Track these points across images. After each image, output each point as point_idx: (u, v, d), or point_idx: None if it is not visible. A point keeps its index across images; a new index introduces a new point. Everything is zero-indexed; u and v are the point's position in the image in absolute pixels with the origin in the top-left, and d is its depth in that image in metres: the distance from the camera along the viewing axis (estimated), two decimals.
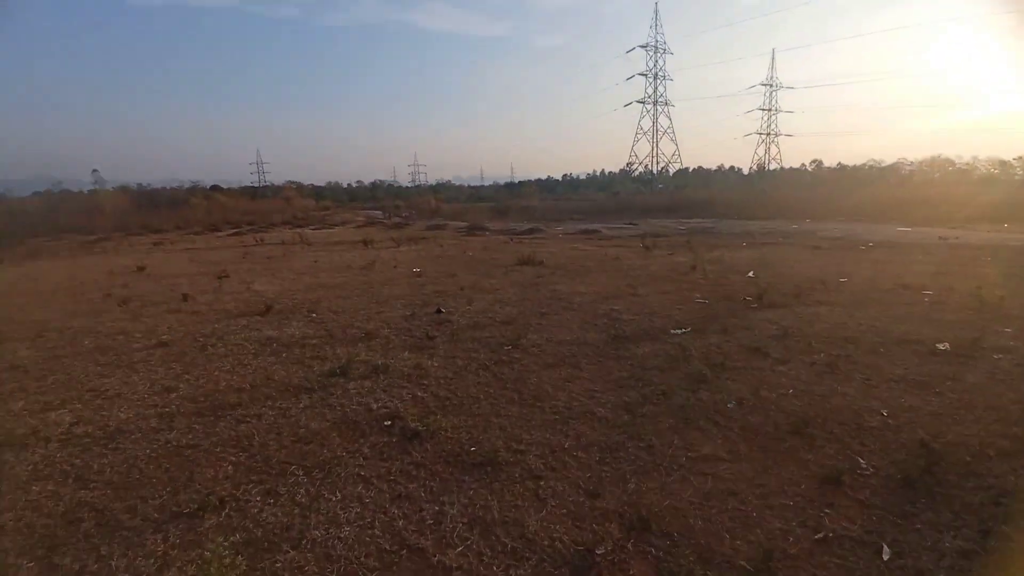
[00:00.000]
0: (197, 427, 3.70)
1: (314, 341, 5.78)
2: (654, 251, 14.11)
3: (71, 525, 2.61)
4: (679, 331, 5.99)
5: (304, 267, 12.25)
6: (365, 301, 7.94)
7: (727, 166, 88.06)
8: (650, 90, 64.96)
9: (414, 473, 3.04)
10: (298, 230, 27.13)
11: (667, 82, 65.77)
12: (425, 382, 4.48)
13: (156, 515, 2.68)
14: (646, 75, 64.26)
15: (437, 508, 2.69)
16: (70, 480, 3.03)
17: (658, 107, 65.72)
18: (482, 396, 4.17)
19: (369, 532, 2.52)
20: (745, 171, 79.09)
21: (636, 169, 70.01)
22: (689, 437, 3.40)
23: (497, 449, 3.20)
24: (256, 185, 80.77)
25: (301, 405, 4.03)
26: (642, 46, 63.57)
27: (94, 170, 57.84)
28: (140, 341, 5.96)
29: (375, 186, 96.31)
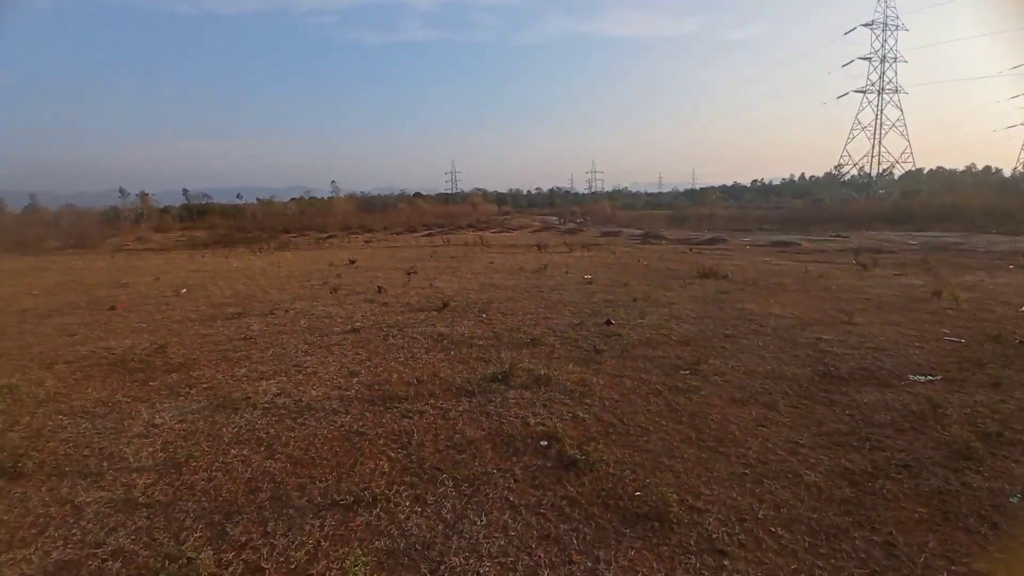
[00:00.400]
0: (368, 415, 3.87)
1: (481, 342, 5.82)
2: (874, 270, 11.55)
3: (251, 494, 2.83)
4: (922, 378, 4.56)
5: (481, 268, 12.87)
6: (534, 305, 7.86)
7: (980, 165, 70.00)
8: (874, 76, 54.58)
9: (567, 511, 2.65)
10: (480, 233, 29.16)
11: (897, 65, 54.21)
12: (588, 401, 4.08)
13: (319, 499, 2.77)
14: (870, 59, 54.13)
15: (590, 564, 2.25)
16: (262, 448, 3.36)
17: (883, 96, 54.75)
18: (652, 428, 3.60)
19: None
20: (1007, 172, 61.67)
21: (848, 171, 59.38)
22: (954, 540, 2.38)
23: (668, 501, 2.63)
24: (449, 192, 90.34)
25: (460, 408, 3.97)
26: (866, 24, 53.71)
27: (332, 181, 71.79)
28: (340, 325, 6.70)
29: (552, 193, 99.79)
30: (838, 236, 23.96)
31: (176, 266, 15.07)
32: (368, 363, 5.14)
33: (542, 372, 4.65)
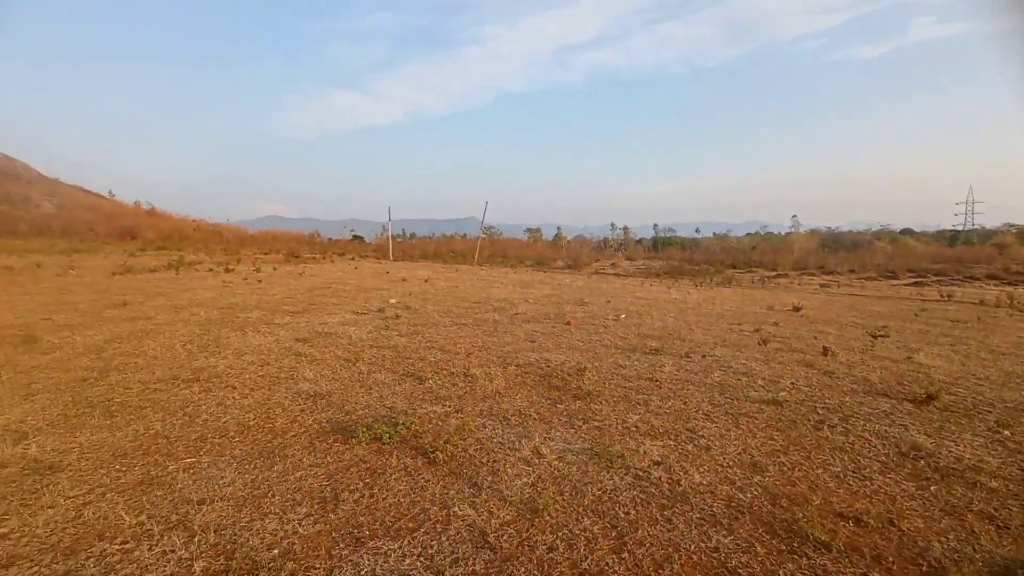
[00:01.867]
0: (758, 550, 2.68)
1: (993, 484, 3.39)
2: None
3: None
4: None
5: (1006, 344, 8.32)
6: None
7: None
8: None
9: None
10: (1008, 289, 19.89)
11: None
12: None
13: None
14: None
15: None
16: (612, 533, 2.76)
17: None
18: None
19: None
20: None
21: None
22: None
23: None
24: (958, 228, 67.36)
25: None
26: None
27: (793, 216, 66.49)
28: (759, 390, 5.47)
29: None
30: None
31: (627, 291, 16.94)
32: (782, 457, 3.79)
33: None
